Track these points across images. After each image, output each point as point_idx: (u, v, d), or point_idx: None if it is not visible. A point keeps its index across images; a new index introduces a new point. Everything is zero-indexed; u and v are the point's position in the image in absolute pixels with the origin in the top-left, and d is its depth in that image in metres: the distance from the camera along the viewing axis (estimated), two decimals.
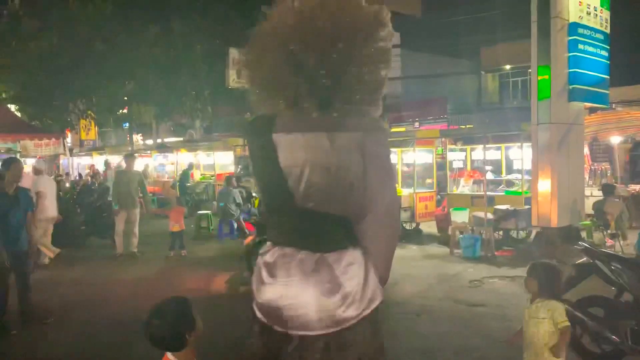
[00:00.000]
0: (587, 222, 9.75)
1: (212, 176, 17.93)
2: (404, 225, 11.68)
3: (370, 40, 2.85)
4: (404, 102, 23.27)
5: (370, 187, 2.79)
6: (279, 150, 2.78)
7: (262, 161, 2.84)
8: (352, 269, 2.77)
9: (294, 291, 2.70)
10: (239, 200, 11.81)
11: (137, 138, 32.91)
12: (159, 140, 29.16)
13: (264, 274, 2.75)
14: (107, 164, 20.84)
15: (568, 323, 3.28)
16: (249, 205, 12.85)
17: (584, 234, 9.31)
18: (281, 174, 2.79)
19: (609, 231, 9.48)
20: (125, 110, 26.79)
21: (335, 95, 2.86)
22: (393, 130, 18.99)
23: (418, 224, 11.83)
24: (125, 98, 23.21)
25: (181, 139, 28.69)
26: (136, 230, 10.02)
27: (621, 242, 9.37)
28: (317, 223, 2.88)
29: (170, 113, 23.11)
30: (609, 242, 9.29)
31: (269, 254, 2.81)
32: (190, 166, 19.06)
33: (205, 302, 5.68)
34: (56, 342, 5.51)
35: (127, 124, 29.11)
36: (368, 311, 2.75)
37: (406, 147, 12.21)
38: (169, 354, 2.36)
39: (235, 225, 11.92)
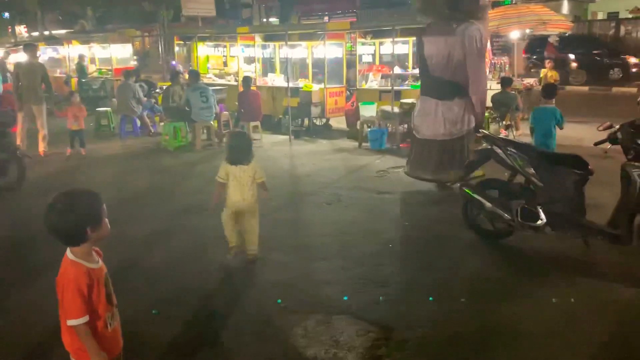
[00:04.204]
0: (485, 114, 10.23)
1: (109, 70, 16.66)
2: (314, 120, 11.67)
3: None
4: None
5: (469, 65, 6.44)
6: (424, 45, 6.78)
7: (419, 51, 6.92)
8: (456, 109, 6.55)
9: (427, 119, 6.74)
10: (140, 95, 11.17)
11: (21, 29, 29.86)
12: (46, 32, 26.44)
13: (416, 110, 7.03)
14: None
15: (265, 177, 4.55)
16: (152, 101, 12.22)
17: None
18: (424, 58, 6.81)
19: (504, 122, 10.08)
20: None
21: (454, 13, 6.53)
22: (303, 23, 18.41)
23: (328, 120, 11.88)
24: None
25: (72, 30, 26.22)
26: (44, 128, 9.25)
27: (514, 132, 10.02)
28: (440, 84, 6.66)
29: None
30: (503, 132, 9.91)
31: (419, 100, 7.08)
32: (82, 58, 17.50)
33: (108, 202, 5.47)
34: None
35: (8, 14, 26.10)
36: (464, 131, 6.53)
37: (316, 41, 11.89)
38: (68, 252, 2.13)
39: (139, 122, 11.37)
